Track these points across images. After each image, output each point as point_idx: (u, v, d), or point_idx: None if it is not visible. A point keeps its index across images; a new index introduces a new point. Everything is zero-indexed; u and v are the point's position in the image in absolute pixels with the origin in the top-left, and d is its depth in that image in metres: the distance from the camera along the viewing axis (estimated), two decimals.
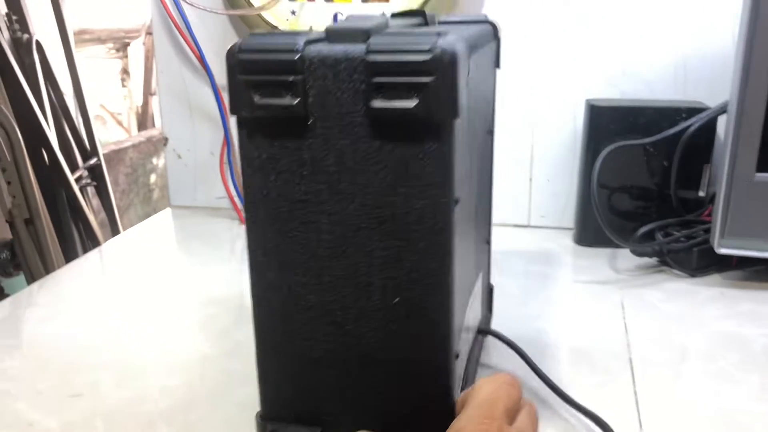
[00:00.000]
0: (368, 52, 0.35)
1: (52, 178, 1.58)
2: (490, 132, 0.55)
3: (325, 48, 0.36)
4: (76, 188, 1.64)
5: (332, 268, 0.39)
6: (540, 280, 0.75)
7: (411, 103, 0.35)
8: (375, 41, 0.35)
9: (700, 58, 0.81)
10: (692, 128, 0.76)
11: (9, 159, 1.48)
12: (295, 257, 0.40)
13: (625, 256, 0.79)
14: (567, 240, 0.86)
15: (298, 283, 0.40)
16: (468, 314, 0.47)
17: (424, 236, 0.37)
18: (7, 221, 1.49)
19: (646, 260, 0.77)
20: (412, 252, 0.38)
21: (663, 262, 0.76)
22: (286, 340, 0.42)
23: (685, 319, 0.65)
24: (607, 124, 0.79)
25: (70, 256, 1.61)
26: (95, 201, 1.89)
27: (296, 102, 0.36)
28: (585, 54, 0.83)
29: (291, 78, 0.36)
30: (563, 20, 0.83)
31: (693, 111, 0.77)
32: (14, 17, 1.59)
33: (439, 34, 0.35)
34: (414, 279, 0.38)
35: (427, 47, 0.34)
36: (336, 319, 0.40)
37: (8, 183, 1.46)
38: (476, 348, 0.52)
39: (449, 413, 0.39)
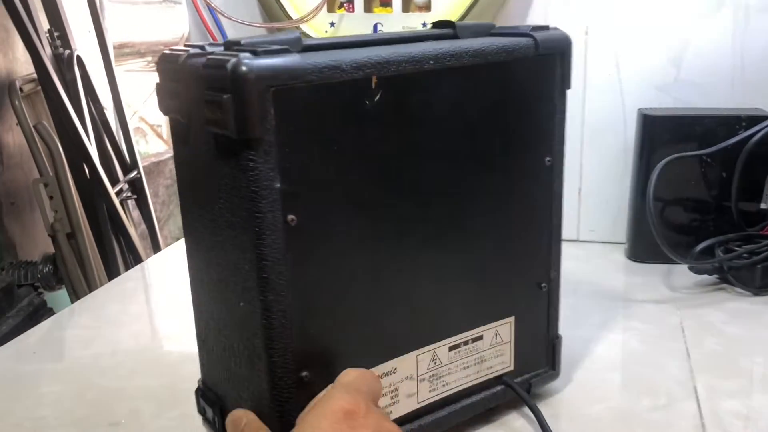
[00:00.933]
0: (203, 66, 0.37)
1: (93, 192, 1.60)
2: (549, 161, 0.51)
3: (197, 60, 0.38)
4: (116, 202, 1.65)
5: (212, 259, 0.42)
6: (591, 298, 0.71)
7: (216, 118, 0.36)
8: (211, 56, 0.36)
9: (758, 61, 0.77)
10: (755, 138, 0.71)
11: (51, 174, 1.50)
12: (198, 243, 0.44)
13: (681, 273, 0.75)
14: (618, 255, 0.82)
15: (199, 267, 0.44)
16: (438, 356, 0.47)
17: (248, 249, 0.38)
18: (49, 235, 1.51)
19: (704, 277, 0.73)
20: (246, 261, 0.38)
21: (723, 280, 0.72)
22: (200, 319, 0.46)
23: (750, 342, 0.61)
24: (661, 134, 0.76)
25: (111, 269, 1.62)
26: (135, 213, 1.91)
27: (179, 107, 0.40)
28: (634, 60, 0.80)
29: (175, 86, 0.40)
30: (610, 25, 0.80)
31: (753, 119, 0.73)
32: (56, 33, 1.61)
33: (257, 53, 0.35)
34: (247, 288, 0.39)
35: (226, 65, 0.34)
36: (218, 309, 0.43)
37: (50, 198, 1.48)
38: (477, 398, 0.50)
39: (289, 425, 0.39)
